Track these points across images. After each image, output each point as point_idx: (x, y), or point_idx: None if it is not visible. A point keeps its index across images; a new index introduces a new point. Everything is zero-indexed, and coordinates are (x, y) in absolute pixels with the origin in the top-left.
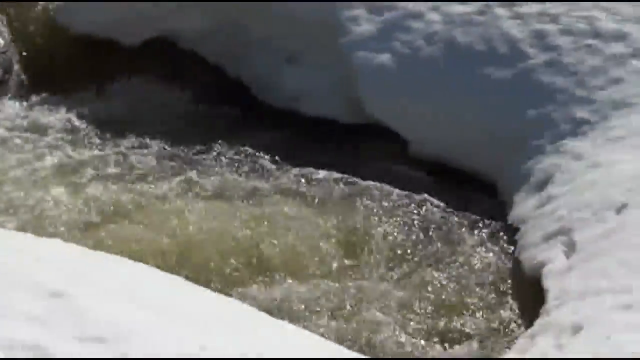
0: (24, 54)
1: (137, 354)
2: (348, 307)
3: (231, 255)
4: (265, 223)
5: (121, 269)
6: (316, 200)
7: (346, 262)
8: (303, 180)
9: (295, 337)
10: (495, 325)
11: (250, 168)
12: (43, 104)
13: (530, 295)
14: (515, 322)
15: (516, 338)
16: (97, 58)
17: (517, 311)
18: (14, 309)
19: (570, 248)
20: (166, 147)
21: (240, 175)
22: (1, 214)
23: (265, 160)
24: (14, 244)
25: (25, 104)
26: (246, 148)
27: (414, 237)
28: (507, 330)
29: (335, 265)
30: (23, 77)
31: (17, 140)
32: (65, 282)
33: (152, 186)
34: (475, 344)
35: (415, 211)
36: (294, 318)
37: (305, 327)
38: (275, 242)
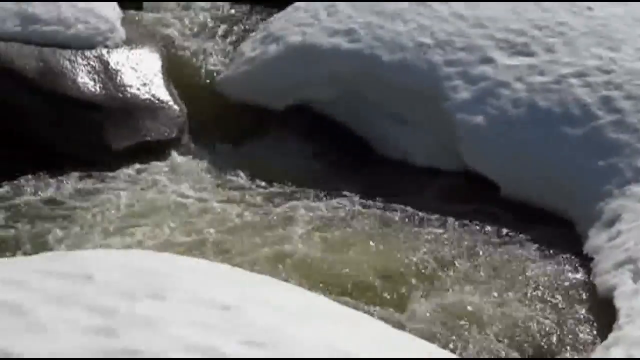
0: (194, 117)
1: (290, 356)
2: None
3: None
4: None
5: (281, 289)
6: (411, 233)
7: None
8: (408, 213)
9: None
10: (574, 339)
11: (375, 205)
12: (209, 155)
13: (604, 314)
14: (592, 336)
15: (593, 350)
16: (250, 119)
17: (593, 327)
18: (192, 318)
19: (637, 274)
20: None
21: (368, 207)
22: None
23: (382, 199)
24: (189, 264)
25: (194, 155)
26: (368, 188)
27: (498, 262)
28: (585, 343)
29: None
30: (193, 135)
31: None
32: (233, 298)
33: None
34: (558, 355)
35: (500, 242)
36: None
37: None
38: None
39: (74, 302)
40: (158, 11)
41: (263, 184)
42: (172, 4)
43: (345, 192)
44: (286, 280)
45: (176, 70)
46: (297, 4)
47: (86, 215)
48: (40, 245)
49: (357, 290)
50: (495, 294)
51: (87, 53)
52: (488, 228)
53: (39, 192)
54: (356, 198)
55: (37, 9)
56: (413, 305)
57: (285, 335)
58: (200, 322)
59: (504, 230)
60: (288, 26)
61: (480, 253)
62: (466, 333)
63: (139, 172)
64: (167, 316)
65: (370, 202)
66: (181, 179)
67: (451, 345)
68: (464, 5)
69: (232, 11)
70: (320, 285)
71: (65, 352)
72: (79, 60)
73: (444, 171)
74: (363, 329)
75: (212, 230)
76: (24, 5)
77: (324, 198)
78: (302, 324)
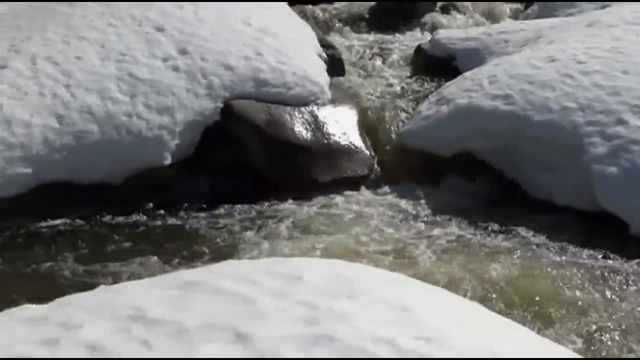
0: (381, 160)
1: (448, 352)
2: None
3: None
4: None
5: (447, 297)
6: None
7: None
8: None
9: None
10: None
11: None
12: (391, 190)
13: None
14: None
15: None
16: (425, 164)
17: None
18: (376, 315)
19: None
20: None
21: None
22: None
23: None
24: (376, 273)
25: (380, 189)
26: (517, 226)
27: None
28: None
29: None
30: (380, 174)
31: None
32: (410, 301)
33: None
34: None
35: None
36: None
37: None
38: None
39: (287, 296)
40: (358, 76)
41: (428, 213)
42: (367, 76)
43: (508, 227)
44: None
45: (369, 124)
46: (465, 74)
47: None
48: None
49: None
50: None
51: (302, 109)
52: (611, 259)
53: (250, 211)
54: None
55: (267, 75)
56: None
57: (450, 334)
58: (383, 319)
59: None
60: (457, 91)
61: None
62: None
63: (337, 200)
64: (357, 312)
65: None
66: (370, 207)
67: None
68: (602, 77)
69: (413, 79)
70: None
71: (280, 334)
72: (296, 114)
73: (581, 210)
74: (520, 336)
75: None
76: (258, 72)
77: (492, 231)
78: (464, 326)
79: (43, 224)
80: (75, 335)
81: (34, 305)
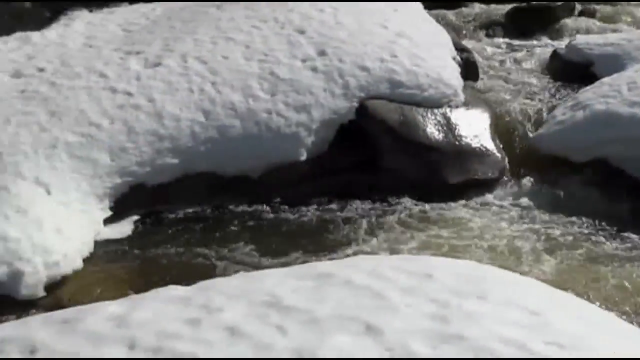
0: (512, 163)
1: (586, 355)
2: None
3: None
4: None
5: (578, 303)
6: None
7: None
8: None
9: None
10: None
11: None
12: (521, 193)
13: None
14: None
15: None
16: (556, 169)
17: None
18: (506, 318)
19: None
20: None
21: None
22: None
23: None
24: (505, 275)
25: (510, 192)
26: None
27: None
28: None
29: None
30: (510, 177)
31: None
32: (540, 305)
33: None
34: None
35: None
36: None
37: None
38: None
39: (417, 293)
40: (492, 80)
41: (557, 219)
42: (500, 81)
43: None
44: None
45: (501, 127)
46: (603, 80)
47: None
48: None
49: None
50: None
51: (435, 110)
52: None
53: (378, 208)
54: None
55: (401, 76)
56: None
57: (586, 341)
58: (513, 322)
59: None
60: (594, 97)
61: None
62: None
63: (465, 201)
64: (487, 313)
65: None
66: (497, 210)
67: None
68: None
69: (548, 84)
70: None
71: (410, 329)
72: (429, 115)
73: None
74: None
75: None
76: (393, 74)
77: (625, 239)
78: (598, 333)
79: (184, 211)
80: (215, 317)
81: (178, 286)
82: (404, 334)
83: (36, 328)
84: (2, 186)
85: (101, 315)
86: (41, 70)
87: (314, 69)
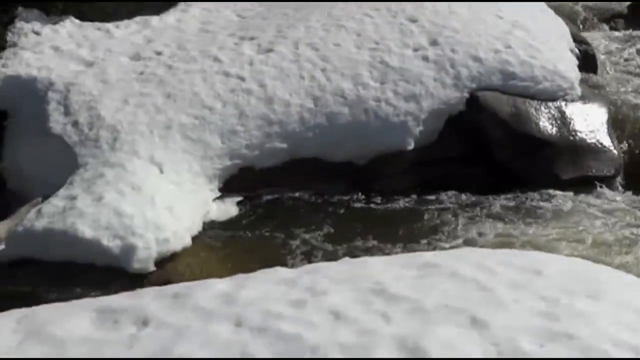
0: (630, 162)
1: None
2: None
3: None
4: None
5: None
6: None
7: None
8: None
9: None
10: None
11: None
12: (635, 193)
13: None
14: None
15: None
16: None
17: None
18: (620, 319)
19: None
20: None
21: None
22: None
23: None
24: (620, 276)
25: (624, 192)
26: None
27: None
28: None
29: None
30: (626, 176)
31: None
32: None
33: None
34: None
35: None
36: None
37: None
38: None
39: (526, 289)
40: (611, 74)
41: None
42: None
43: None
44: None
45: (620, 122)
46: None
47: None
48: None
49: None
50: None
51: (549, 104)
52: None
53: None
54: None
55: (515, 68)
56: None
57: None
58: (627, 324)
59: None
60: None
61: None
62: None
63: (579, 198)
64: (598, 313)
65: None
66: (611, 209)
67: None
68: None
69: None
70: None
71: (517, 325)
72: (542, 109)
73: None
74: None
75: None
76: (506, 65)
77: None
78: None
79: (287, 195)
80: (320, 300)
81: (284, 268)
82: (511, 329)
83: (148, 300)
84: (119, 164)
85: (210, 292)
86: (159, 53)
87: (425, 58)
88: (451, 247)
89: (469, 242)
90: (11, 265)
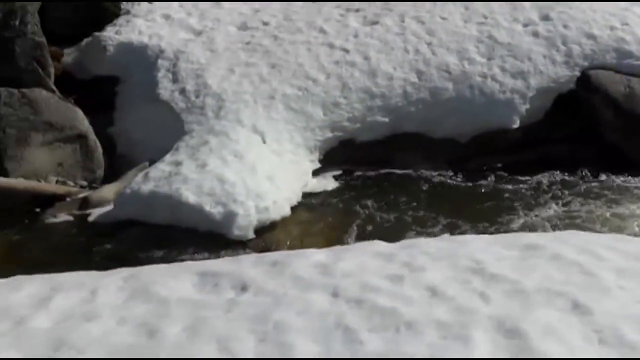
0: None
1: None
2: None
3: None
4: None
5: None
6: None
7: None
8: None
9: None
10: None
11: None
12: None
13: None
14: None
15: None
16: None
17: None
18: None
19: None
20: None
21: None
22: None
23: None
24: None
25: None
26: None
27: None
28: None
29: None
30: None
31: None
32: None
33: None
34: None
35: None
36: None
37: None
38: None
39: (632, 275)
40: None
41: None
42: None
43: None
44: None
45: None
46: None
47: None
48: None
49: None
50: None
51: None
52: None
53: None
54: None
55: (631, 46)
56: None
57: None
58: None
59: None
60: None
61: None
62: None
63: None
64: None
65: None
66: None
67: None
68: None
69: None
70: None
71: (622, 313)
72: None
73: None
74: None
75: None
76: (622, 43)
77: None
78: None
79: (386, 170)
80: (417, 276)
81: (382, 242)
82: (615, 316)
83: (247, 267)
84: (223, 132)
85: (308, 262)
86: (265, 24)
87: (535, 34)
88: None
89: (573, 225)
90: (118, 226)
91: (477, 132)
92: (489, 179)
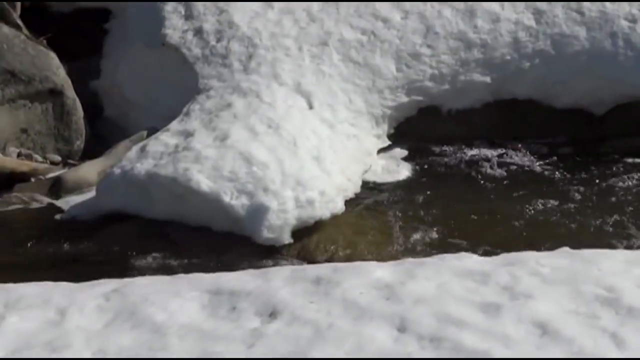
0: None
1: None
2: None
3: None
4: None
5: None
6: None
7: None
8: None
9: None
10: None
11: None
12: None
13: None
14: None
15: None
16: None
17: None
18: None
19: None
20: None
21: None
22: None
23: None
24: None
25: None
26: None
27: None
28: None
29: None
30: None
31: None
32: None
33: None
34: None
35: None
36: None
37: None
38: None
39: None
40: None
41: None
42: None
43: None
44: None
45: None
46: None
47: None
48: None
49: None
50: None
51: None
52: None
53: None
54: None
55: None
56: None
57: None
58: None
59: None
60: None
61: None
62: None
63: None
64: None
65: None
66: None
67: None
68: None
69: None
70: None
71: None
72: None
73: None
74: None
75: None
76: None
77: None
78: None
79: (482, 152)
80: (522, 305)
81: (472, 254)
82: None
83: (279, 284)
84: (253, 90)
85: (365, 280)
86: None
87: None
88: None
89: None
90: (100, 219)
91: (620, 100)
92: (633, 173)
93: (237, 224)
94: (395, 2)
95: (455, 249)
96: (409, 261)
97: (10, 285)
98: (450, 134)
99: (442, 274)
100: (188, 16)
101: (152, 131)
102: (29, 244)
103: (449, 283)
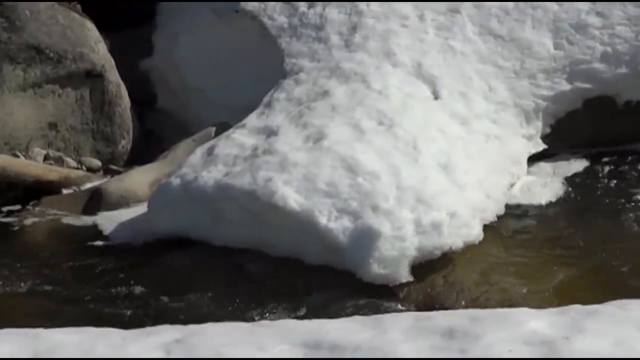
0: None
1: None
2: None
3: None
4: None
5: None
6: None
7: None
8: None
9: None
10: None
11: None
12: None
13: None
14: None
15: None
16: None
17: None
18: None
19: None
20: None
21: None
22: None
23: None
24: None
25: None
26: None
27: None
28: None
29: None
30: None
31: None
32: None
33: None
34: None
35: None
36: None
37: None
38: None
39: None
40: None
41: None
42: None
43: None
44: None
45: None
46: None
47: None
48: None
49: None
50: None
51: None
52: None
53: None
54: None
55: None
56: None
57: None
58: None
59: None
60: None
61: None
62: None
63: None
64: None
65: None
66: None
67: None
68: None
69: None
70: None
71: None
72: None
73: None
74: None
75: None
76: None
77: None
78: None
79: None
80: None
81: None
82: None
83: (398, 338)
84: (358, 73)
85: (514, 335)
86: None
87: None
88: None
89: None
90: (155, 246)
91: None
92: None
93: (336, 254)
94: None
95: (638, 293)
96: (576, 309)
97: (41, 331)
98: (628, 133)
99: (622, 326)
100: None
101: (223, 128)
102: (60, 277)
103: (631, 340)
